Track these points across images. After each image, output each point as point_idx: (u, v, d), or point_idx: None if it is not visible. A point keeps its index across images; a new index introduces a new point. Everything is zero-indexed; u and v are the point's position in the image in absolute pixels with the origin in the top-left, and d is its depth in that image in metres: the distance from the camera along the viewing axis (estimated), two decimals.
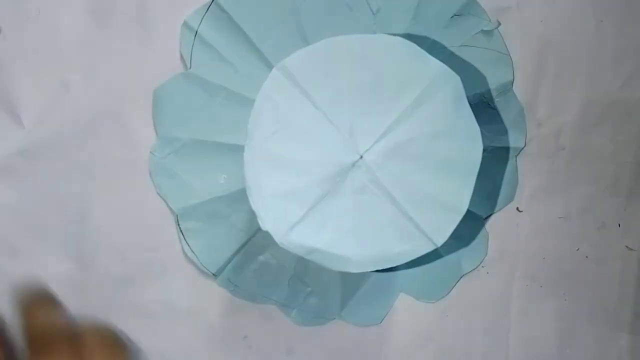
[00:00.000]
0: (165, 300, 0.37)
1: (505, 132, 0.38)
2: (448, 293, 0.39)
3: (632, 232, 0.39)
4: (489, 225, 0.39)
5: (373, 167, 0.32)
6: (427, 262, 0.37)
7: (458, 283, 0.39)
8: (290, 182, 0.32)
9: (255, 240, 0.37)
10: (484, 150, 0.32)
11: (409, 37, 0.34)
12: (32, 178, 0.36)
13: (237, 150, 0.33)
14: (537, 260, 0.39)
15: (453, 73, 0.31)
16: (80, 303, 0.36)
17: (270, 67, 0.35)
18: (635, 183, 0.39)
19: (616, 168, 0.39)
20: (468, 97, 0.32)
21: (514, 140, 0.38)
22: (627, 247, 0.39)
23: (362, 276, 0.37)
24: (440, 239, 0.31)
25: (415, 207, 0.32)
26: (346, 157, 0.32)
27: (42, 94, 0.35)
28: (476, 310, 0.39)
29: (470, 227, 0.38)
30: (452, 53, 0.36)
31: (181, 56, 0.36)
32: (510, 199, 0.39)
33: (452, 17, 0.37)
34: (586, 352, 0.39)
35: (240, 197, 0.34)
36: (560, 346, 0.39)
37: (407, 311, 0.39)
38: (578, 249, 0.39)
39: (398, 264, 0.32)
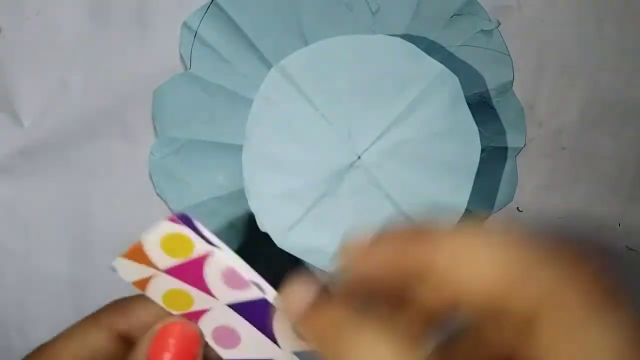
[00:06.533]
0: None
1: (504, 131, 0.38)
2: None
3: (633, 232, 0.39)
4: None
5: (371, 168, 0.32)
6: None
7: None
8: (289, 182, 0.32)
9: (254, 240, 0.37)
10: (483, 150, 0.32)
11: (408, 37, 0.34)
12: (31, 178, 0.36)
13: (236, 150, 0.34)
14: None
15: (451, 74, 0.31)
16: (80, 303, 0.36)
17: (269, 67, 0.35)
18: (636, 183, 0.39)
19: (616, 168, 0.39)
20: (467, 97, 0.32)
21: (513, 140, 0.38)
22: (627, 247, 0.39)
23: None
24: None
25: (414, 207, 0.32)
26: (344, 158, 0.32)
27: (42, 94, 0.35)
28: None
29: None
30: (450, 53, 0.36)
31: (181, 56, 0.36)
32: (510, 198, 0.39)
33: (452, 16, 0.36)
34: None
35: (239, 197, 0.34)
36: None
37: None
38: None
39: None
